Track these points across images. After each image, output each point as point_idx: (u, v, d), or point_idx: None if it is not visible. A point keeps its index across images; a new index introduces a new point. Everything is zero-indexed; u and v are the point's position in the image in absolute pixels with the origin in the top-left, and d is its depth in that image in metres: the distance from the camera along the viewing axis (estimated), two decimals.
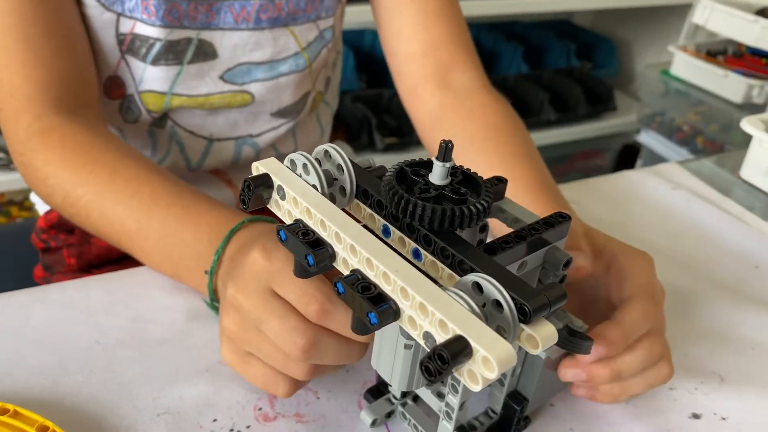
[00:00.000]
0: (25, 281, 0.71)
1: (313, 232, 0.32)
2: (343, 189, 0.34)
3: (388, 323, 0.28)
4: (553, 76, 1.96)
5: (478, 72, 0.64)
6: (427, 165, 0.32)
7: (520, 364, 0.38)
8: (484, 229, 0.37)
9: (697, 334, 0.51)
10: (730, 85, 1.58)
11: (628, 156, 2.07)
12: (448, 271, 0.30)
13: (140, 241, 0.48)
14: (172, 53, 0.58)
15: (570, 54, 2.09)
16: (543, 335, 0.27)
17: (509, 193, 0.51)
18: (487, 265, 0.29)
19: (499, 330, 0.27)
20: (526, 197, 0.51)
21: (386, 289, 0.28)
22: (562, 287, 0.28)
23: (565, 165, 2.03)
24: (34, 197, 0.74)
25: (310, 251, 0.31)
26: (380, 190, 0.32)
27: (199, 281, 0.45)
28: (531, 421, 0.41)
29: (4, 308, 0.47)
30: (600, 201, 0.66)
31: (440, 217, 0.30)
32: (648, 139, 1.81)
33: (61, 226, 0.69)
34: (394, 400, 0.41)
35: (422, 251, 0.31)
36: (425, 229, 0.31)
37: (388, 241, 0.33)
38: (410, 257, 0.32)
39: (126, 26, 0.57)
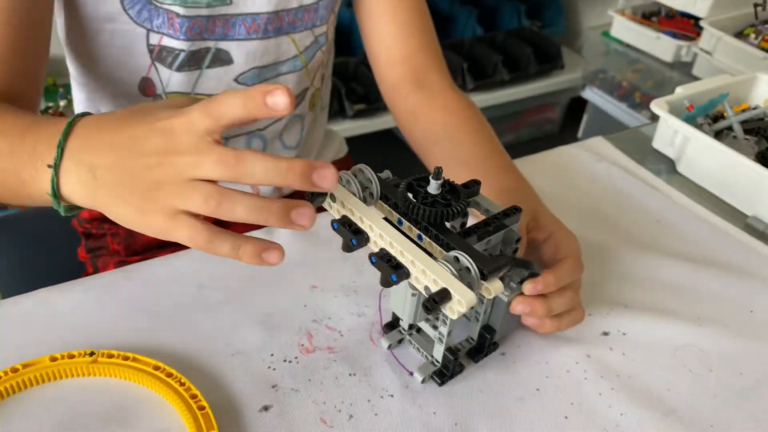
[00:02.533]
0: (69, 259, 0.85)
1: (354, 224, 0.48)
2: (371, 194, 0.51)
3: (403, 281, 0.46)
4: (505, 38, 2.12)
5: (446, 75, 0.80)
6: (427, 179, 0.49)
7: (489, 305, 0.56)
8: (466, 215, 0.54)
9: (611, 276, 0.69)
10: (662, 45, 1.76)
11: (575, 109, 2.26)
12: (438, 248, 0.47)
13: None
14: (193, 60, 0.71)
15: (521, 14, 2.24)
16: (494, 287, 0.44)
17: (483, 171, 0.69)
18: (463, 245, 0.46)
19: (469, 284, 0.45)
20: (498, 174, 0.68)
21: (402, 260, 0.45)
22: (509, 257, 0.46)
23: (517, 120, 2.21)
24: None
25: (354, 237, 0.47)
26: (396, 195, 0.49)
27: (41, 179, 0.45)
28: (498, 346, 0.59)
29: (97, 286, 0.63)
30: (542, 173, 0.84)
31: (434, 216, 0.47)
32: (592, 95, 2.00)
33: (105, 217, 0.83)
34: (403, 331, 0.59)
35: (423, 236, 0.48)
36: (425, 223, 0.48)
37: (402, 228, 0.50)
38: (415, 239, 0.49)
39: (155, 39, 0.70)
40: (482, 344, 0.58)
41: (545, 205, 0.65)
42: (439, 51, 0.81)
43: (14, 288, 0.87)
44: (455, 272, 0.44)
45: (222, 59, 0.73)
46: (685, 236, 0.76)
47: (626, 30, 1.85)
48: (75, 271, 0.86)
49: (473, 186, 0.53)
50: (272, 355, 0.58)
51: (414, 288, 0.50)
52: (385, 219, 0.48)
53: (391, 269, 0.45)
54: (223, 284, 0.64)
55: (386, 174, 0.53)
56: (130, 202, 0.42)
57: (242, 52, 0.73)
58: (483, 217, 0.51)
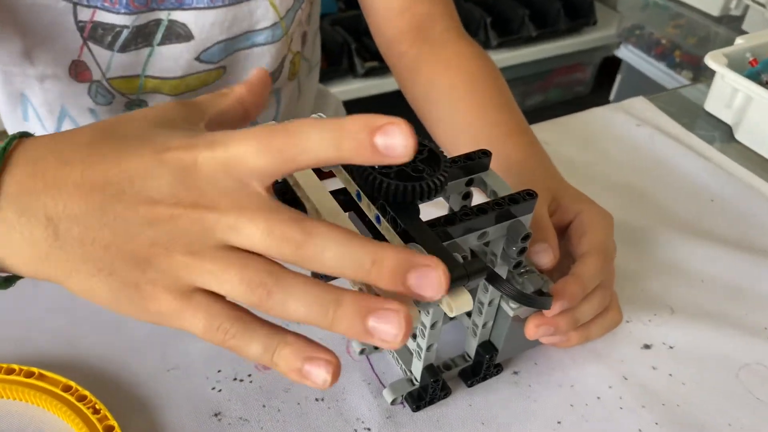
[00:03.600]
0: None
1: (293, 192, 0.35)
2: None
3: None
4: None
5: (453, 22, 0.65)
6: None
7: (491, 315, 0.43)
8: (468, 196, 0.41)
9: (652, 269, 0.56)
10: None
11: (608, 69, 2.08)
12: (398, 238, 0.34)
13: None
14: (140, 37, 0.57)
15: None
16: (458, 302, 0.30)
17: (488, 139, 0.55)
18: (426, 238, 0.32)
19: None
20: (505, 143, 0.55)
21: None
22: (483, 262, 0.32)
23: (545, 81, 2.04)
24: None
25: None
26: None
27: None
28: (502, 369, 0.46)
29: None
30: (570, 140, 0.70)
31: (393, 191, 0.33)
32: (627, 53, 1.82)
33: None
34: None
35: (381, 218, 0.35)
36: (382, 200, 0.34)
37: (360, 204, 0.37)
38: (373, 220, 0.36)
39: (85, 14, 0.55)
40: (479, 365, 0.45)
41: (566, 181, 0.52)
42: (453, 15, 0.67)
43: None
44: None
45: (178, 34, 0.58)
46: (746, 219, 0.62)
47: None
48: None
49: (480, 158, 0.40)
50: (219, 371, 0.45)
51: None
52: (340, 192, 0.35)
53: None
54: None
55: None
56: (111, 271, 0.27)
57: (204, 24, 0.58)
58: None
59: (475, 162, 0.40)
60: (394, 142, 0.24)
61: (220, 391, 0.44)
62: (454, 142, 0.59)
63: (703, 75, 1.66)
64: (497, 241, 0.38)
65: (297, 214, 0.26)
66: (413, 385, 0.43)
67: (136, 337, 0.47)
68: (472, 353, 0.45)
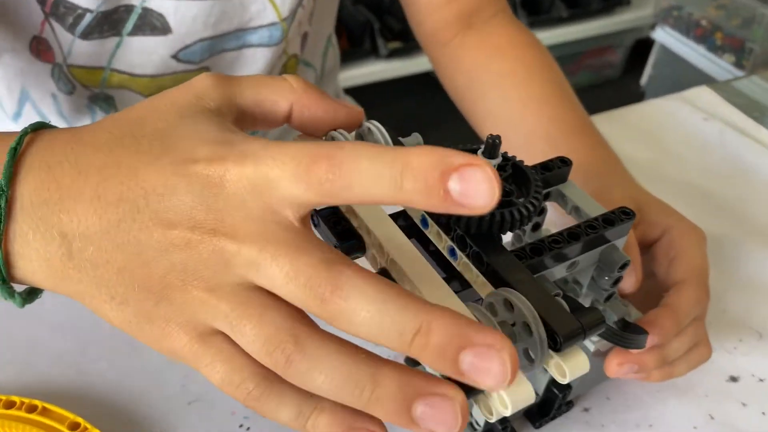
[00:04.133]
0: None
1: (346, 221, 0.29)
2: None
3: None
4: None
5: (502, 5, 0.58)
6: (475, 153, 0.29)
7: None
8: (542, 212, 0.34)
9: (734, 287, 0.49)
10: None
11: (639, 52, 1.99)
12: (482, 278, 0.28)
13: None
14: (107, 24, 0.49)
15: None
16: (572, 365, 0.25)
17: (546, 137, 0.49)
18: (523, 280, 0.26)
19: (527, 352, 0.26)
20: (567, 143, 0.48)
21: None
22: (600, 313, 0.26)
23: (574, 64, 1.95)
24: None
25: (340, 243, 0.28)
26: None
27: None
28: (573, 405, 0.40)
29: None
30: (628, 135, 0.63)
31: (477, 221, 0.27)
32: (663, 35, 1.73)
33: None
34: None
35: (458, 252, 0.29)
36: (462, 232, 0.28)
37: (426, 232, 0.30)
38: (446, 254, 0.30)
39: None
40: (548, 403, 0.38)
41: (646, 189, 0.45)
42: None
43: None
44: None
45: (153, 25, 0.49)
46: None
47: None
48: None
49: (559, 167, 0.33)
50: None
51: None
52: (400, 215, 0.29)
53: None
54: None
55: (414, 139, 0.33)
56: (123, 300, 0.23)
57: (184, 17, 0.49)
58: (569, 218, 0.32)
59: (553, 173, 0.33)
60: (473, 190, 0.19)
61: (248, 429, 0.38)
62: (505, 140, 0.52)
63: (745, 59, 1.57)
64: (583, 273, 0.32)
65: (331, 256, 0.21)
66: (474, 430, 0.37)
67: (153, 362, 0.41)
68: (541, 390, 0.38)
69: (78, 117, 0.56)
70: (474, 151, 0.29)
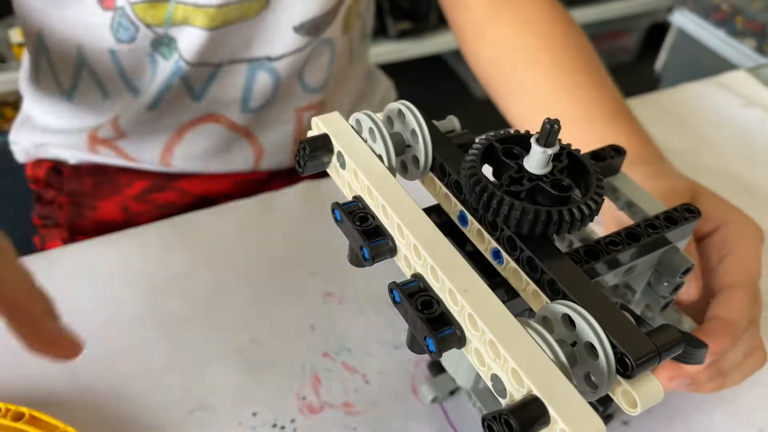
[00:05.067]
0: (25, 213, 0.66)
1: (373, 217, 0.25)
2: (416, 159, 0.27)
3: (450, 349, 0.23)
4: None
5: None
6: (524, 142, 0.25)
7: None
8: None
9: None
10: None
11: (654, 36, 1.94)
12: (533, 287, 0.24)
13: None
14: None
15: None
16: (645, 394, 0.21)
17: (581, 119, 0.45)
18: (586, 292, 0.22)
19: (588, 377, 0.22)
20: (605, 127, 0.44)
21: (452, 309, 0.22)
22: (676, 332, 0.22)
23: None
24: (16, 137, 0.65)
25: (366, 243, 0.24)
26: (462, 168, 0.25)
27: None
28: (613, 419, 0.36)
29: None
30: (662, 122, 0.59)
31: (532, 221, 0.23)
32: (681, 19, 1.68)
33: (50, 183, 0.61)
34: None
35: (505, 255, 0.25)
36: (511, 232, 0.24)
37: (465, 230, 0.27)
38: (488, 256, 0.26)
39: None
40: None
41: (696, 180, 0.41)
42: None
43: None
44: (564, 361, 0.20)
45: None
46: None
47: None
48: (23, 229, 0.67)
49: (612, 156, 0.29)
50: (255, 414, 0.36)
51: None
52: (434, 210, 0.25)
53: (427, 328, 0.22)
54: (187, 287, 0.42)
55: (450, 123, 0.30)
56: None
57: None
58: (621, 217, 0.28)
59: (605, 163, 0.29)
60: None
61: None
62: (533, 119, 0.48)
63: (767, 43, 1.52)
64: (639, 278, 0.28)
65: None
66: None
67: (150, 366, 0.38)
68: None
69: (139, 72, 0.54)
70: (527, 138, 0.25)
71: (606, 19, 1.81)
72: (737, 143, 0.57)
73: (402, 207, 0.24)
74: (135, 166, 0.59)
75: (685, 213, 0.27)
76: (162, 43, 0.52)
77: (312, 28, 0.54)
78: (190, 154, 0.58)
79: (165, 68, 0.53)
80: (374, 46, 1.56)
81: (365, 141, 0.27)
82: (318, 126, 0.27)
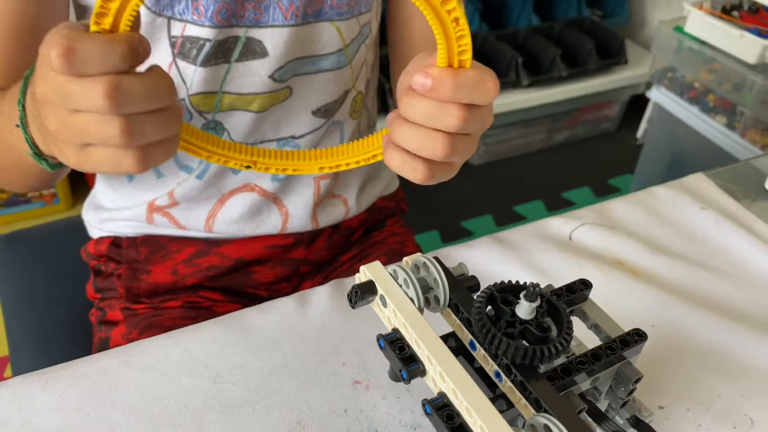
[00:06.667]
0: (77, 290, 0.74)
1: (408, 347, 0.35)
2: (437, 298, 0.37)
3: None
4: (563, 29, 1.94)
5: None
6: (516, 291, 0.35)
7: None
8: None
9: (728, 374, 0.55)
10: (746, 45, 1.57)
11: (635, 106, 2.08)
12: (524, 401, 0.33)
13: None
14: (220, 52, 0.59)
15: (581, 2, 2.06)
16: None
17: None
18: (561, 408, 0.32)
19: None
20: None
21: (468, 420, 0.32)
22: None
23: (574, 118, 2.03)
24: (86, 216, 0.75)
25: (404, 367, 0.34)
26: (470, 308, 0.35)
27: (21, 139, 0.46)
28: None
29: (91, 374, 0.50)
30: (628, 224, 0.69)
31: (522, 354, 0.33)
32: (659, 95, 1.81)
33: (110, 256, 0.71)
34: None
35: (503, 376, 0.34)
36: (508, 361, 0.34)
37: (474, 354, 0.36)
38: (492, 376, 0.35)
39: (177, 29, 0.57)
40: None
41: None
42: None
43: (15, 309, 0.80)
44: None
45: (254, 50, 0.60)
46: None
47: (704, 26, 1.66)
48: (82, 306, 0.77)
49: (582, 289, 0.39)
50: None
51: None
52: (451, 335, 0.34)
53: None
54: (244, 376, 0.51)
55: (460, 269, 0.40)
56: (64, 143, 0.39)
57: (277, 42, 0.60)
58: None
59: (577, 295, 0.39)
60: None
61: None
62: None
63: (737, 120, 1.65)
64: (602, 382, 0.38)
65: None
66: None
67: None
68: None
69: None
70: (519, 289, 0.35)
71: (590, 93, 1.95)
72: (698, 245, 0.68)
73: (430, 342, 0.33)
74: (183, 234, 0.69)
75: (635, 337, 0.37)
76: (210, 127, 0.64)
77: (326, 112, 0.67)
78: (229, 219, 0.69)
79: None
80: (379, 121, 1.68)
81: (400, 286, 0.37)
82: (365, 273, 0.37)
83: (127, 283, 0.70)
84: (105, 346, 0.69)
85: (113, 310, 0.71)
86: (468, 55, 0.37)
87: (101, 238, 0.72)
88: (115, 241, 0.71)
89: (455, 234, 1.73)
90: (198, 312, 0.70)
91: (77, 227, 0.82)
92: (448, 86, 0.37)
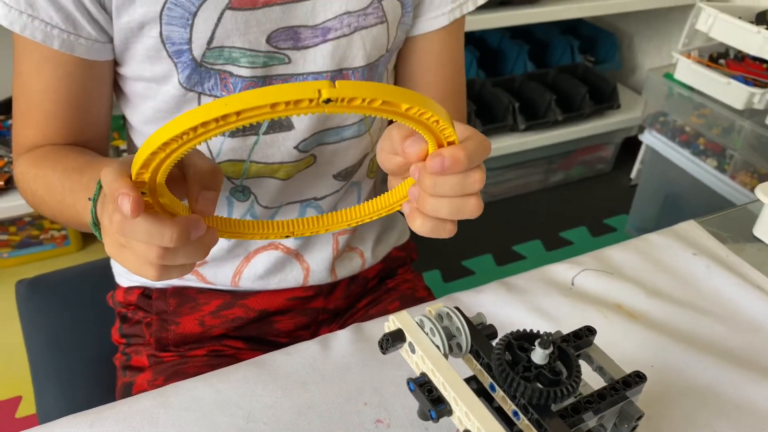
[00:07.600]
0: (102, 334, 0.78)
1: (436, 389, 0.39)
2: (459, 345, 0.42)
3: None
4: (557, 75, 2.02)
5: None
6: (531, 339, 0.40)
7: None
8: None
9: (720, 414, 0.59)
10: (732, 91, 1.65)
11: (629, 147, 2.15)
12: None
13: (61, 196, 0.58)
14: (249, 125, 0.63)
15: (574, 49, 2.14)
16: None
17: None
18: None
19: None
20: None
21: None
22: None
23: (569, 159, 2.10)
24: (116, 265, 0.79)
25: (433, 408, 0.38)
26: (490, 354, 0.40)
27: (87, 209, 0.52)
28: None
29: (133, 416, 0.54)
30: (626, 269, 0.74)
31: (537, 395, 0.37)
32: (651, 139, 1.88)
33: (139, 305, 0.75)
34: None
35: (521, 415, 0.39)
36: (525, 401, 0.38)
37: (494, 395, 0.41)
38: (510, 414, 0.40)
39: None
40: None
41: None
42: (465, 117, 0.79)
43: (39, 351, 0.84)
44: None
45: (281, 124, 0.65)
46: None
47: (692, 73, 1.74)
48: (105, 349, 0.80)
49: (587, 336, 0.44)
50: None
51: None
52: (473, 378, 0.39)
53: None
54: (274, 416, 0.55)
55: (479, 318, 0.44)
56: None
57: (303, 116, 0.65)
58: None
59: (583, 340, 0.44)
60: None
61: None
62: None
63: (726, 164, 1.71)
64: (608, 419, 0.42)
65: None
66: None
67: None
68: None
69: (218, 211, 0.69)
70: (534, 337, 0.39)
71: (585, 136, 2.02)
72: (692, 291, 0.72)
73: (456, 385, 0.38)
74: (211, 287, 0.73)
75: (636, 378, 0.41)
76: (237, 190, 0.69)
77: (346, 175, 0.73)
78: (254, 275, 0.73)
79: (240, 208, 0.69)
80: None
81: (426, 334, 0.41)
82: (393, 322, 0.42)
83: (156, 334, 0.73)
84: (129, 390, 0.72)
85: (139, 356, 0.75)
86: (454, 136, 0.43)
87: (131, 288, 0.76)
88: (145, 292, 0.75)
89: (456, 273, 1.78)
90: (221, 360, 0.74)
91: (99, 271, 0.87)
92: (464, 161, 0.43)
